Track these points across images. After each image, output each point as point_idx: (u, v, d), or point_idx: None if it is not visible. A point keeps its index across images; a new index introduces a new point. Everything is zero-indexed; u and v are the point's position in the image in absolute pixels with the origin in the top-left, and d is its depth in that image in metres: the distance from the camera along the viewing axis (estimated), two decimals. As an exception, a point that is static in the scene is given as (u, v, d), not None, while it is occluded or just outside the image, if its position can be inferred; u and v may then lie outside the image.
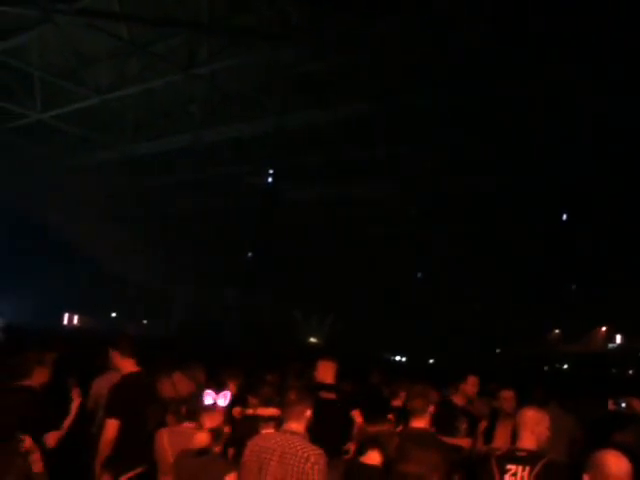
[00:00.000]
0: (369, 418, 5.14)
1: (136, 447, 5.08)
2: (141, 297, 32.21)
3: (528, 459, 4.06)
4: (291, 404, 4.34)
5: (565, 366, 33.09)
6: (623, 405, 8.52)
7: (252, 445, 4.25)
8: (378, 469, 4.32)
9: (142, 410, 5.35)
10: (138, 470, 5.04)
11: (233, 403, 6.22)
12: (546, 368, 30.57)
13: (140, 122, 20.90)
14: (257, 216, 27.22)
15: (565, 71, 13.50)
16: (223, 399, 4.39)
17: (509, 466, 4.10)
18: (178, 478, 4.20)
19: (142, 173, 25.30)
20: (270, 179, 24.82)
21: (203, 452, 4.11)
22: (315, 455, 3.99)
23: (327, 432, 5.26)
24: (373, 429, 4.40)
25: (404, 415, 6.21)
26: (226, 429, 4.39)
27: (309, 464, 3.94)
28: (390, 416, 6.69)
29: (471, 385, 6.78)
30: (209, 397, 4.35)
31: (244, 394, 6.61)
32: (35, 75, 17.98)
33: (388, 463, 4.36)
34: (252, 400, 6.00)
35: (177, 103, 19.79)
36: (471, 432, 6.51)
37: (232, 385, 6.94)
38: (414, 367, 21.89)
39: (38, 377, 5.32)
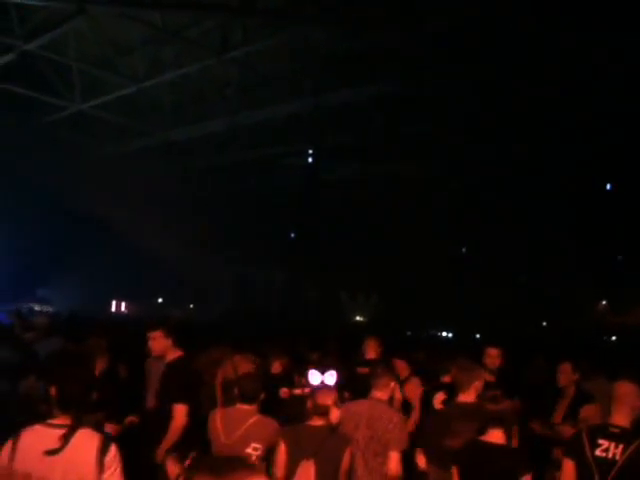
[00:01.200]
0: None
1: (194, 430, 5.15)
2: (187, 282, 32.48)
3: (622, 436, 3.92)
4: (377, 376, 5.20)
5: (613, 338, 32.55)
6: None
7: (344, 411, 4.84)
8: (503, 447, 4.27)
9: (197, 393, 5.42)
10: (195, 453, 5.09)
11: (279, 383, 6.29)
12: (593, 341, 30.16)
13: (177, 108, 21.03)
14: (299, 197, 27.24)
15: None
16: (330, 377, 4.63)
17: (601, 441, 3.98)
18: (296, 449, 4.43)
19: (183, 158, 25.49)
20: (310, 159, 24.78)
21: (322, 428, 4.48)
22: (397, 417, 5.01)
23: None
24: (494, 408, 4.36)
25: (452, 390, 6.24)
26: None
27: (391, 424, 4.85)
28: (441, 393, 6.66)
29: (492, 357, 6.59)
30: (315, 377, 4.62)
31: (291, 374, 6.67)
32: (73, 67, 18.19)
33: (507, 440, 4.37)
34: (299, 379, 6.03)
35: (213, 87, 19.87)
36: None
37: (278, 365, 7.01)
38: (461, 343, 21.71)
39: (99, 365, 5.39)
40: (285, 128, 21.41)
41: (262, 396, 4.94)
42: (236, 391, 4.93)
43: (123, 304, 33.57)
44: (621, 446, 3.86)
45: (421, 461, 5.12)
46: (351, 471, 4.59)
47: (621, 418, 3.99)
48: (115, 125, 22.48)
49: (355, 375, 6.92)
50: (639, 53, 13.70)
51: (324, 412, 4.53)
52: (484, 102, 17.68)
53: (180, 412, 5.19)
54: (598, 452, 3.94)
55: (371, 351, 7.35)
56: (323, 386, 4.59)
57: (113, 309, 32.53)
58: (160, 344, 5.57)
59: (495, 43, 14.22)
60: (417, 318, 30.55)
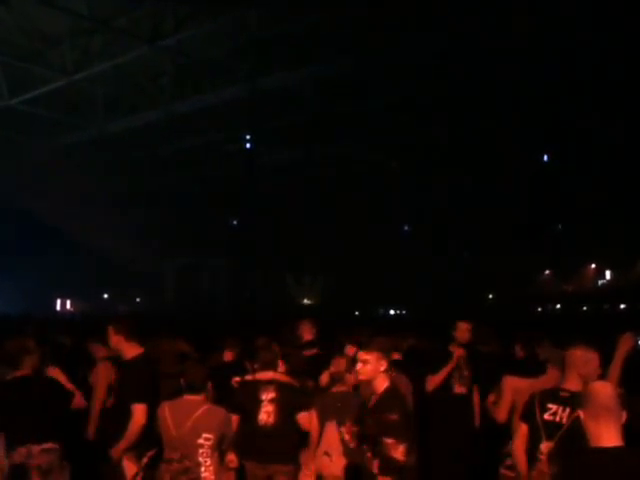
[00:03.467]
0: None
1: (153, 429, 5.06)
2: (131, 275, 32.10)
3: (570, 400, 3.95)
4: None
5: (558, 306, 33.33)
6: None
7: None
8: None
9: (157, 390, 5.32)
10: (155, 449, 5.00)
11: (230, 372, 6.23)
12: (539, 309, 30.82)
13: (111, 99, 20.60)
14: (238, 182, 27.07)
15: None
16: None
17: (550, 405, 4.05)
18: (322, 413, 5.12)
19: (120, 150, 25.04)
20: (248, 145, 24.63)
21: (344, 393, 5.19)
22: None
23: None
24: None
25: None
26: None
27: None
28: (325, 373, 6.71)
29: (462, 331, 6.64)
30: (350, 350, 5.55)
31: (242, 361, 6.61)
32: (-2, 61, 17.67)
33: None
34: (251, 366, 5.98)
35: (146, 77, 19.50)
36: (476, 379, 6.43)
37: (229, 353, 6.95)
38: (410, 319, 21.99)
39: (27, 363, 5.23)
40: (222, 115, 21.18)
41: (209, 385, 4.88)
42: (182, 382, 4.85)
43: (68, 302, 33.04)
44: (568, 410, 3.93)
45: None
46: None
47: (572, 383, 4.03)
48: (47, 120, 21.89)
49: (305, 358, 6.94)
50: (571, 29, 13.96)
51: (340, 378, 5.23)
52: (420, 83, 17.79)
53: (139, 412, 5.08)
54: (547, 416, 4.02)
55: (307, 333, 7.33)
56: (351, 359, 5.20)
57: (58, 307, 31.97)
58: (114, 342, 5.45)
59: (431, 26, 14.28)
60: (365, 298, 30.79)
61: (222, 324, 11.98)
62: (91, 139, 23.00)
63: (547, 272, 38.60)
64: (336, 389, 5.26)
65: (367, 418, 4.28)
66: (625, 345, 4.87)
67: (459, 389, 6.29)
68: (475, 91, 18.33)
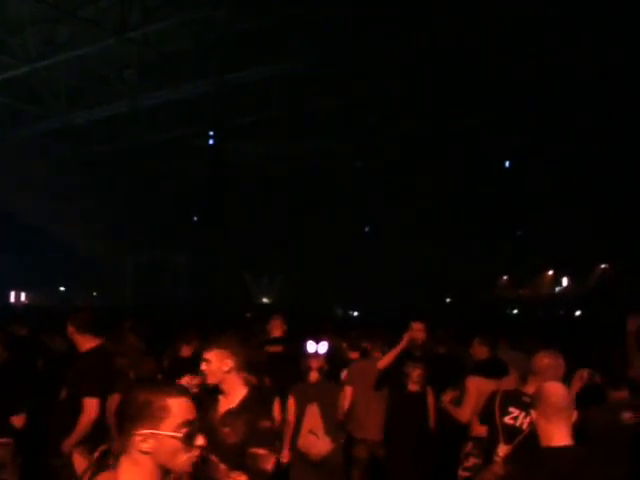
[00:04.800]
0: None
1: (105, 423, 5.00)
2: (90, 269, 31.67)
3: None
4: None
5: (515, 311, 33.71)
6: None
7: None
8: None
9: (111, 384, 5.26)
10: (108, 444, 4.94)
11: (187, 367, 6.20)
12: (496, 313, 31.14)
13: (75, 90, 20.31)
14: (202, 178, 26.91)
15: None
16: (322, 347, 5.89)
17: (511, 409, 4.09)
18: (299, 402, 5.74)
19: (83, 142, 24.70)
20: (212, 140, 24.49)
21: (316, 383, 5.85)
22: None
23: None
24: None
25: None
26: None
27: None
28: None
29: (417, 331, 6.67)
30: (311, 345, 5.86)
31: (199, 357, 6.57)
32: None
33: None
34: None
35: (112, 68, 19.26)
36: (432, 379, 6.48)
37: (187, 349, 6.92)
38: (368, 321, 22.05)
39: None
40: (188, 109, 21.04)
41: (159, 378, 4.85)
42: (132, 375, 4.82)
43: (23, 294, 32.49)
44: (529, 416, 3.97)
45: None
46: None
47: (534, 388, 4.07)
48: (8, 108, 21.50)
49: (268, 354, 6.97)
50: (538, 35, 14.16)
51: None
52: (390, 79, 17.87)
53: (90, 406, 5.03)
54: (507, 419, 4.08)
55: (277, 329, 7.42)
56: (314, 353, 5.84)
57: (12, 299, 31.41)
58: (75, 336, 5.39)
59: (400, 22, 14.35)
60: (323, 298, 30.80)
61: (181, 320, 11.89)
62: (52, 130, 22.65)
63: (505, 277, 39.01)
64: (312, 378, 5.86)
65: (223, 426, 3.76)
66: (577, 383, 4.94)
67: (413, 387, 6.34)
68: (442, 92, 18.49)
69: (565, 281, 38.77)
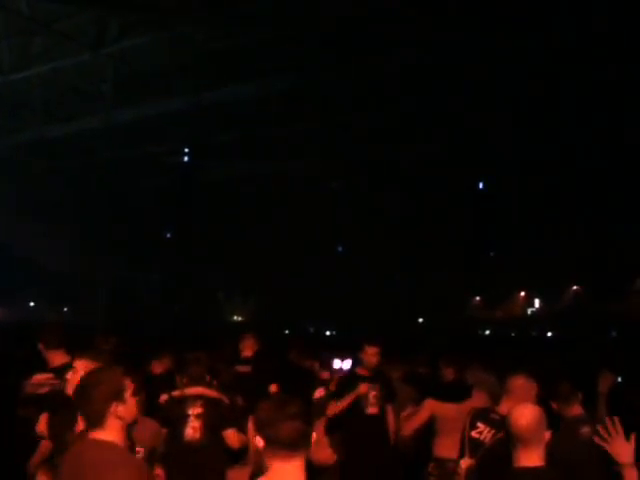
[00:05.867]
0: None
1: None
2: (60, 285, 31.34)
3: (498, 424, 4.08)
4: None
5: (487, 332, 33.92)
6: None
7: None
8: None
9: None
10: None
11: (159, 385, 6.13)
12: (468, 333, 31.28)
13: (50, 103, 20.15)
14: (174, 196, 26.80)
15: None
16: (347, 364, 6.63)
17: (479, 424, 4.25)
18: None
19: (55, 156, 24.50)
20: (186, 158, 24.42)
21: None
22: None
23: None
24: None
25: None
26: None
27: None
28: (320, 389, 6.71)
29: (370, 355, 6.64)
30: (337, 363, 6.68)
31: (171, 375, 6.52)
32: None
33: None
34: (180, 380, 5.91)
35: (88, 83, 19.16)
36: (388, 399, 6.47)
37: (158, 366, 6.87)
38: (341, 339, 22.04)
39: None
40: (162, 126, 20.97)
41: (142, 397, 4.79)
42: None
43: (-9, 309, 32.01)
44: (493, 431, 4.14)
45: None
46: None
47: (506, 408, 4.13)
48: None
49: (236, 374, 6.90)
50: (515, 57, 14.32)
51: None
52: (369, 103, 17.98)
53: None
54: (474, 433, 4.27)
55: (248, 349, 7.37)
56: (340, 370, 6.51)
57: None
58: (43, 352, 5.30)
59: (382, 41, 14.44)
60: (296, 317, 30.78)
61: (153, 338, 11.81)
62: (26, 143, 22.45)
63: (477, 298, 39.25)
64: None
65: None
66: (605, 382, 5.08)
67: (372, 410, 6.33)
68: (416, 115, 18.65)
69: (537, 302, 39.12)
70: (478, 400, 5.59)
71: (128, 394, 2.94)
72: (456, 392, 5.91)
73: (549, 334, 29.01)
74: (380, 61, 15.03)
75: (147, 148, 22.80)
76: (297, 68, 15.87)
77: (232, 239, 29.27)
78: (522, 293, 38.53)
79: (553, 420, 4.49)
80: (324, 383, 7.15)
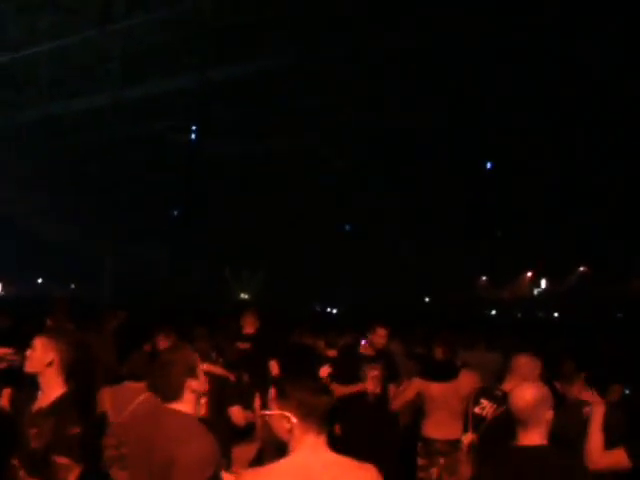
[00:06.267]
0: None
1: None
2: (67, 261, 31.44)
3: (501, 399, 4.17)
4: None
5: (493, 312, 33.93)
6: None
7: None
8: None
9: (90, 375, 5.23)
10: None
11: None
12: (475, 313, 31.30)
13: (56, 80, 20.10)
14: (182, 173, 26.78)
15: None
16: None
17: (482, 400, 4.35)
18: None
19: (63, 133, 24.46)
20: (193, 135, 24.36)
21: None
22: None
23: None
24: None
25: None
26: None
27: None
28: (325, 367, 6.72)
29: (379, 336, 6.67)
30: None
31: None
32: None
33: None
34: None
35: (95, 60, 19.12)
36: (390, 379, 6.49)
37: (164, 343, 6.88)
38: (343, 318, 22.09)
39: None
40: (169, 104, 20.92)
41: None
42: (125, 369, 4.80)
43: (0, 285, 32.22)
44: (494, 406, 4.23)
45: None
46: None
47: (510, 386, 4.17)
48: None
49: (237, 350, 6.90)
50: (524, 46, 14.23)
51: None
52: (370, 82, 17.90)
53: None
54: (477, 409, 4.36)
55: (249, 326, 7.26)
56: None
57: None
58: (53, 327, 5.35)
59: (383, 24, 14.37)
60: (303, 295, 30.82)
61: (159, 314, 11.84)
62: (33, 120, 22.43)
63: (484, 278, 39.22)
64: None
65: (31, 426, 3.40)
66: (614, 395, 5.07)
67: (374, 389, 6.35)
68: (421, 92, 18.56)
69: (544, 283, 39.06)
70: (465, 381, 5.64)
71: (200, 370, 3.16)
72: (443, 372, 5.94)
73: (555, 315, 29.05)
74: (390, 36, 14.94)
75: (154, 125, 22.76)
76: (302, 45, 15.79)
77: (240, 216, 29.26)
78: (529, 274, 38.48)
79: (557, 400, 4.52)
80: (330, 361, 7.16)
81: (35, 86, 20.18)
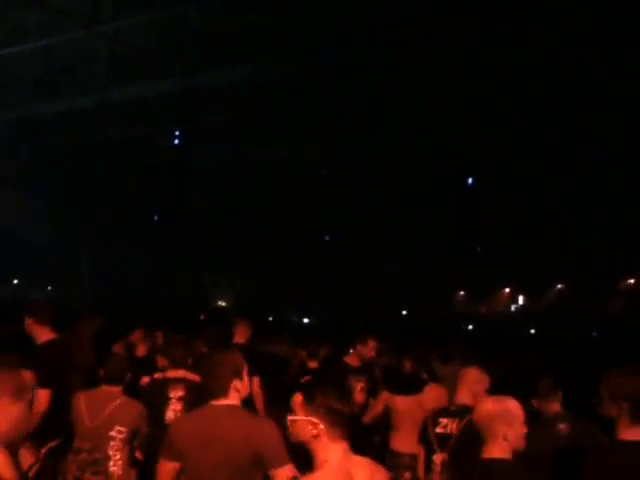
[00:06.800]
0: None
1: (60, 416, 4.90)
2: (44, 263, 31.18)
3: (458, 413, 4.29)
4: None
5: (470, 327, 34.02)
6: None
7: None
8: None
9: (67, 377, 5.18)
10: (59, 440, 4.84)
11: (142, 366, 6.12)
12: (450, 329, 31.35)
13: (40, 81, 19.95)
14: (163, 178, 26.68)
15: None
16: None
17: (441, 419, 4.39)
18: None
19: (45, 134, 24.29)
20: (177, 140, 24.29)
21: None
22: None
23: None
24: None
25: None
26: None
27: None
28: (306, 378, 6.69)
29: (370, 349, 6.72)
30: None
31: (154, 357, 6.51)
32: None
33: None
34: (161, 361, 5.90)
35: (80, 61, 19.01)
36: (372, 392, 6.49)
37: (142, 348, 6.86)
38: (321, 329, 22.08)
39: None
40: (153, 108, 20.84)
41: (128, 377, 4.82)
42: (101, 372, 4.77)
43: (-25, 285, 31.85)
44: (456, 420, 4.30)
45: None
46: None
47: (462, 398, 4.41)
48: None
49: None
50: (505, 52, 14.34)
51: None
52: (358, 89, 17.95)
53: (42, 397, 4.94)
54: (438, 429, 4.39)
55: (240, 336, 7.12)
56: None
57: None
58: (32, 327, 5.29)
59: (368, 28, 14.42)
60: (280, 304, 30.77)
61: (136, 320, 11.75)
62: (15, 119, 22.25)
63: (462, 293, 39.37)
64: None
65: None
66: None
67: (359, 401, 6.35)
68: (406, 105, 18.63)
69: (521, 299, 39.29)
70: (430, 394, 5.67)
71: (245, 372, 3.45)
72: (408, 385, 5.97)
73: (532, 331, 29.18)
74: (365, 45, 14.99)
75: (138, 128, 22.66)
76: (291, 52, 15.81)
77: (219, 222, 29.21)
78: (507, 289, 38.68)
79: (533, 417, 4.55)
80: (311, 372, 7.13)
81: (18, 85, 20.04)
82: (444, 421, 4.34)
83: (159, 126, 22.65)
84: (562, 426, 4.56)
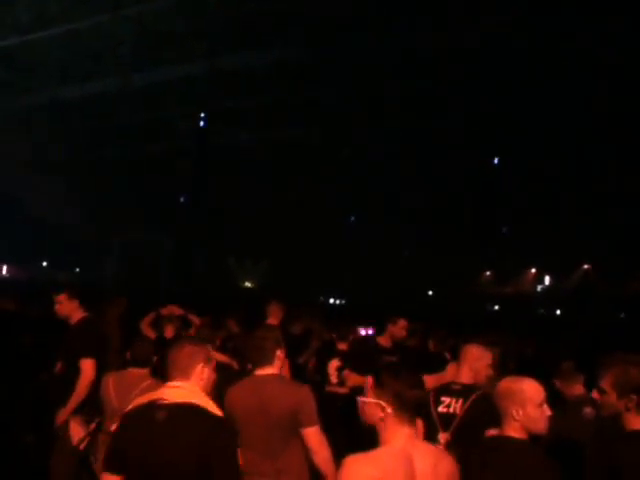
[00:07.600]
0: None
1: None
2: (73, 245, 31.49)
3: (462, 392, 4.22)
4: None
5: (496, 307, 33.90)
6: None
7: None
8: None
9: (104, 354, 5.30)
10: (101, 418, 4.92)
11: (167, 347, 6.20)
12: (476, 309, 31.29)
13: (67, 65, 20.10)
14: (189, 160, 26.76)
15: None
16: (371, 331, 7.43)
17: (443, 398, 4.28)
18: None
19: (70, 118, 24.48)
20: (202, 123, 24.32)
21: None
22: None
23: None
24: None
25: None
26: None
27: None
28: (336, 359, 6.75)
29: (400, 328, 6.72)
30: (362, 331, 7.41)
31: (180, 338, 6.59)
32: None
33: None
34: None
35: (106, 45, 19.10)
36: None
37: (170, 330, 6.94)
38: (352, 310, 22.12)
39: None
40: (178, 90, 20.91)
41: (154, 360, 4.89)
42: (128, 355, 4.85)
43: (4, 267, 32.31)
44: (460, 400, 4.20)
45: None
46: None
47: (464, 376, 4.35)
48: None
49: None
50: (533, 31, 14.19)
51: None
52: (377, 77, 17.87)
53: (88, 366, 5.03)
54: (441, 408, 4.27)
55: (273, 317, 7.04)
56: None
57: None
58: (65, 307, 5.40)
59: (391, 21, 14.35)
60: (307, 285, 30.81)
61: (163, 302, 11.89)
62: (41, 104, 22.44)
63: (487, 273, 39.16)
64: None
65: None
66: None
67: None
68: (429, 88, 18.53)
69: (547, 280, 38.99)
70: (450, 373, 5.68)
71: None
72: (428, 364, 5.97)
73: (557, 312, 29.04)
74: (399, 33, 14.93)
75: (163, 111, 22.75)
76: (311, 35, 15.77)
77: (246, 204, 29.25)
78: (533, 270, 38.38)
79: (556, 398, 4.55)
80: (341, 354, 7.18)
81: (45, 70, 20.19)
82: (447, 400, 4.28)
83: (183, 108, 22.71)
84: (587, 410, 4.53)
